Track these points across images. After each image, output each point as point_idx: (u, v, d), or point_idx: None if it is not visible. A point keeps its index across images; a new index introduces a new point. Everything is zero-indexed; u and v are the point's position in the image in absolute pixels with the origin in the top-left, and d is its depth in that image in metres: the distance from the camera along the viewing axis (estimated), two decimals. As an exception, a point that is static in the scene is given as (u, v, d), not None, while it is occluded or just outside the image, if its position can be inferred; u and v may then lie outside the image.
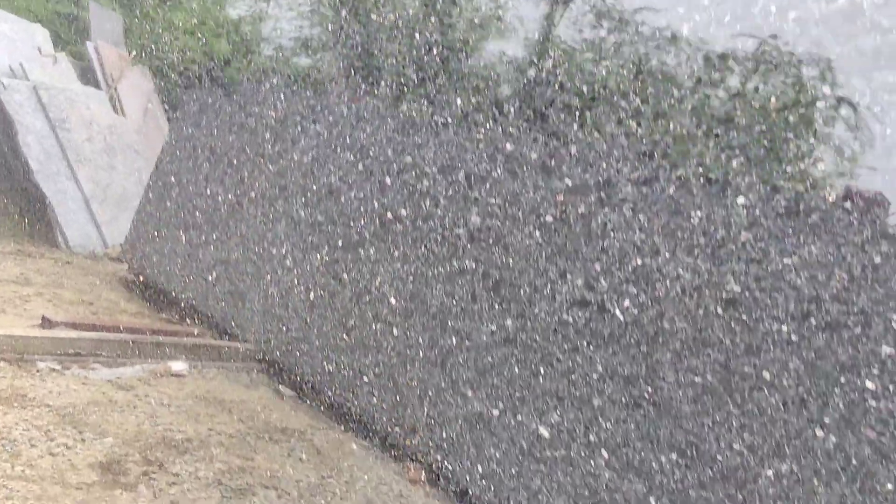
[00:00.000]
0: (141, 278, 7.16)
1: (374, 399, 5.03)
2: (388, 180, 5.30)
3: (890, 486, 3.04)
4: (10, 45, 9.48)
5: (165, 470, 3.54)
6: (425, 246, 4.97)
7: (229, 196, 6.68)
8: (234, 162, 6.67)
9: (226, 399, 4.83)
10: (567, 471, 4.01)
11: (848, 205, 3.26)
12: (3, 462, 3.20)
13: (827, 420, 3.22)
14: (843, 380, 3.19)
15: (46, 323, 5.07)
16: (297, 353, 5.64)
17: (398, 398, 4.90)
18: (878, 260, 3.05)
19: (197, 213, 6.95)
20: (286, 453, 4.22)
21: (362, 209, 5.45)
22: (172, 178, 7.21)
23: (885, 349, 3.09)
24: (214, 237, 6.65)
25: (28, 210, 8.51)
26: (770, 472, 3.34)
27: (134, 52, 11.56)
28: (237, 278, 6.39)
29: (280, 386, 5.51)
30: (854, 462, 3.14)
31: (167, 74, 11.27)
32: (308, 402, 5.31)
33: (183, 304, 6.55)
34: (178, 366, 5.07)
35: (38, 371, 4.35)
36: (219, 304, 6.47)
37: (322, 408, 5.20)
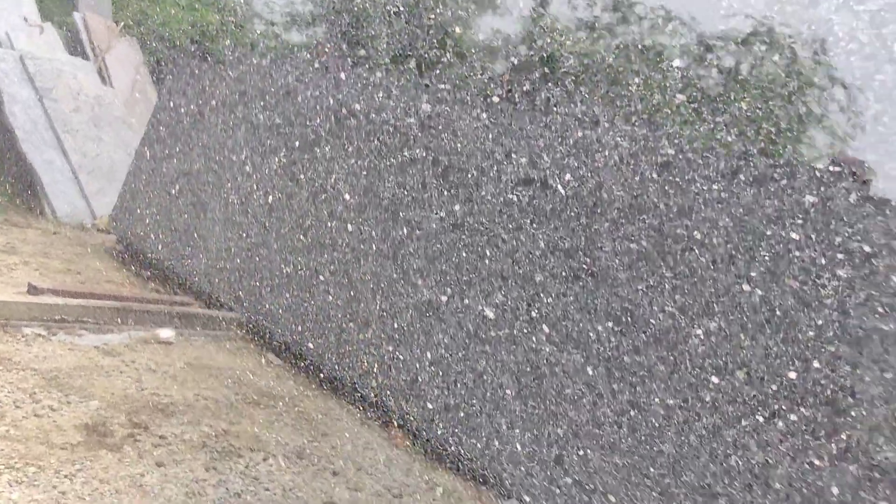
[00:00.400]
0: (128, 244, 7.30)
1: (330, 297, 5.22)
2: (342, 76, 5.42)
3: (811, 334, 3.20)
4: (-4, 13, 9.53)
5: (151, 432, 3.66)
6: (378, 139, 5.10)
7: (192, 107, 6.82)
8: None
9: (212, 365, 4.95)
10: (510, 349, 4.19)
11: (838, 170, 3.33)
12: (-13, 422, 3.32)
13: (753, 274, 3.37)
14: (768, 233, 3.33)
15: (32, 289, 5.17)
16: (257, 259, 5.83)
17: (352, 293, 5.08)
18: (803, 110, 3.17)
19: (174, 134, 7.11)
20: (273, 418, 4.33)
21: (318, 107, 5.58)
22: (163, 143, 7.33)
23: (809, 198, 3.22)
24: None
25: (14, 180, 8.56)
26: (700, 332, 3.50)
27: (122, 23, 11.58)
28: (199, 189, 6.55)
29: (267, 354, 5.64)
30: (778, 313, 3.30)
31: (155, 46, 11.28)
32: (294, 369, 5.45)
33: (171, 270, 6.66)
34: (165, 333, 5.21)
35: (23, 336, 4.44)
36: (182, 217, 6.65)
37: (308, 375, 5.35)
